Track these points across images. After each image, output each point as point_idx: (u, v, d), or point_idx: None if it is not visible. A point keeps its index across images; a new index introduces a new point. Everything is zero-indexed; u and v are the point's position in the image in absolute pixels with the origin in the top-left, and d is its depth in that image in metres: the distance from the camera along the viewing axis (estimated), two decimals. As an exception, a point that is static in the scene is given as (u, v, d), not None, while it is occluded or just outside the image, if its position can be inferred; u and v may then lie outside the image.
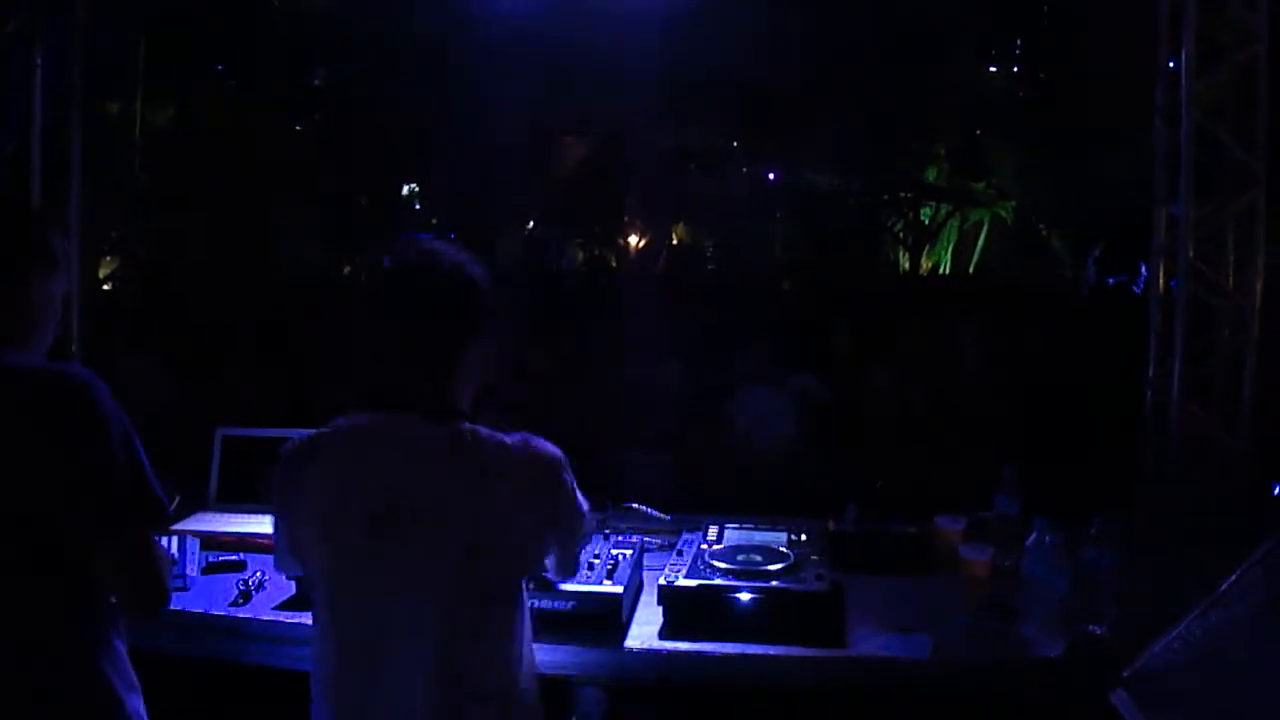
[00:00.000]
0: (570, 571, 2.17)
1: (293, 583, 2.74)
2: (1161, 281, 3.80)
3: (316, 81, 12.05)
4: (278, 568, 2.06)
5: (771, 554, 2.71)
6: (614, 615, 2.53)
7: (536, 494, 1.91)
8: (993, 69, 12.70)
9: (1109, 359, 4.88)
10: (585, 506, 2.03)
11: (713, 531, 2.95)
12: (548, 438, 1.97)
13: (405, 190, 14.42)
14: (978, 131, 12.61)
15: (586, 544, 2.60)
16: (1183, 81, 3.55)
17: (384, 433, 1.91)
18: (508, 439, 1.90)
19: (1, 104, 4.09)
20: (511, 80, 10.18)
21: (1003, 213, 13.13)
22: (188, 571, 2.86)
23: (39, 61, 4.07)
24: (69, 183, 4.22)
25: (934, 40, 11.04)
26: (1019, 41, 12.20)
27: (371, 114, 11.16)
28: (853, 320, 6.33)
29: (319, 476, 1.90)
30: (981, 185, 12.88)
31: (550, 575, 2.23)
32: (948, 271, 14.11)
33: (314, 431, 1.93)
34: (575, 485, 1.97)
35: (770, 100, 11.75)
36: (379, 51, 10.62)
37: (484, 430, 1.90)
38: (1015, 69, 12.59)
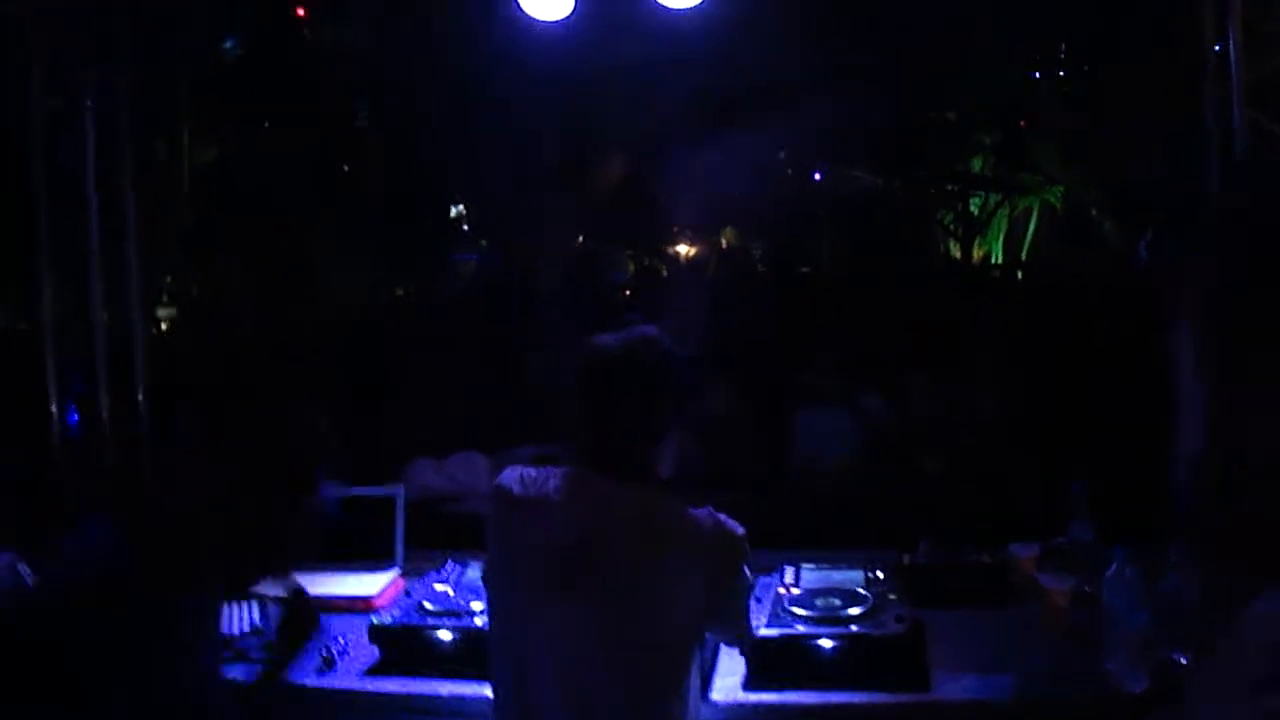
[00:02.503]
0: (745, 640, 2.38)
1: (375, 646, 2.77)
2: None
3: (359, 121, 12.18)
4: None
5: (850, 596, 2.71)
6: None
7: (716, 568, 2.02)
8: (1035, 75, 12.52)
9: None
10: (751, 580, 2.17)
11: (789, 574, 2.95)
12: None
13: (453, 213, 14.51)
14: (1020, 124, 12.43)
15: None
16: (1233, 73, 3.47)
17: (583, 489, 2.06)
18: (697, 511, 2.03)
19: (55, 160, 4.13)
20: (553, 99, 10.22)
21: (1052, 199, 12.93)
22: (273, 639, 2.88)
23: (90, 116, 4.09)
24: (125, 234, 4.23)
25: (977, 33, 10.93)
26: (1063, 40, 12.01)
27: (416, 142, 11.24)
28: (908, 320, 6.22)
29: (517, 519, 2.07)
30: (1026, 175, 12.69)
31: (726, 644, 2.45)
32: (999, 260, 13.92)
33: (523, 470, 2.11)
34: (748, 561, 2.09)
35: (812, 100, 11.68)
36: (419, 82, 10.69)
37: (675, 500, 2.05)
38: (1062, 60, 12.40)
